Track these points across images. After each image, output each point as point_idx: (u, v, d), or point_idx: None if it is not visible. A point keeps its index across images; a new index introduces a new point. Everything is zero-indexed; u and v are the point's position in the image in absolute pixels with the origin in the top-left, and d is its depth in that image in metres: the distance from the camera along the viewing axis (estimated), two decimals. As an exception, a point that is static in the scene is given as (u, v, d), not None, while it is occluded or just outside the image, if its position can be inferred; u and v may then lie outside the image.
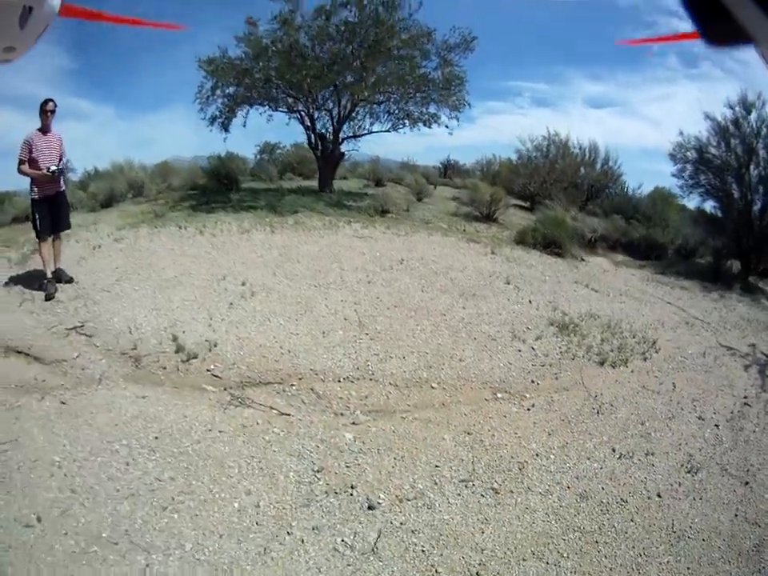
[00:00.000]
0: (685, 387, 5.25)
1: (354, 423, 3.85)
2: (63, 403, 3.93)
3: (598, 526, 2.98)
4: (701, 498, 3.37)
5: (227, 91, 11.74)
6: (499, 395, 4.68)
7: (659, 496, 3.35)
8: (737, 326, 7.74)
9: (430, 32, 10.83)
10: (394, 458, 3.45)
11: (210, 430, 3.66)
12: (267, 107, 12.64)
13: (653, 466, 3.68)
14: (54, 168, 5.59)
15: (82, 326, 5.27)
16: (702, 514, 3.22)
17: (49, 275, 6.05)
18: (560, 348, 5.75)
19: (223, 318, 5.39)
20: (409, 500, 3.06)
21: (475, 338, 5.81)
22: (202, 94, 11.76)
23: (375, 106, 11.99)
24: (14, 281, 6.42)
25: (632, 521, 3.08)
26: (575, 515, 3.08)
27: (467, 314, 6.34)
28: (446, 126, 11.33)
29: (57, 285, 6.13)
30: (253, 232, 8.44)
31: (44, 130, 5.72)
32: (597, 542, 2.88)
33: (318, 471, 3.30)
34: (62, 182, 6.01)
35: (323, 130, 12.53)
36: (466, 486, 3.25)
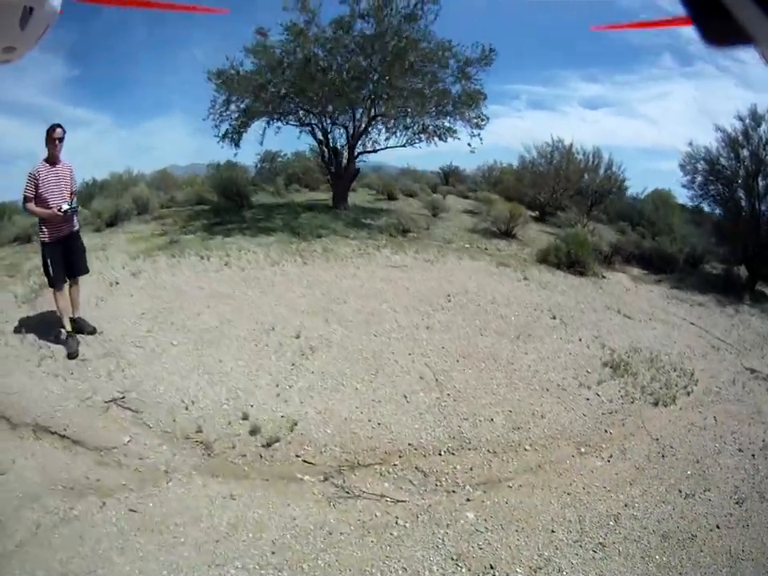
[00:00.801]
0: (724, 420, 5.06)
1: (468, 500, 3.51)
2: (133, 511, 3.01)
3: (679, 560, 3.16)
4: (748, 526, 3.53)
5: (240, 105, 10.53)
6: (582, 449, 4.32)
7: (718, 527, 3.49)
8: (755, 345, 7.37)
9: (449, 46, 9.82)
10: (516, 530, 3.27)
11: (330, 533, 2.98)
12: (278, 121, 11.46)
13: (710, 500, 3.80)
14: (66, 207, 4.62)
15: (122, 398, 4.24)
16: (751, 539, 3.39)
17: (68, 327, 5.02)
18: (619, 392, 5.26)
19: (290, 383, 4.51)
20: (540, 569, 2.98)
21: (547, 389, 5.15)
22: (215, 108, 10.54)
23: (392, 120, 10.95)
24: (26, 326, 5.35)
25: (701, 551, 3.26)
26: (662, 554, 3.21)
27: (532, 361, 5.62)
28: (469, 145, 10.39)
29: (78, 337, 5.07)
30: (284, 264, 7.42)
31: (52, 160, 4.72)
32: (680, 573, 3.04)
33: (457, 559, 2.99)
34: (75, 220, 5.01)
35: (336, 144, 11.45)
36: (580, 546, 3.21)
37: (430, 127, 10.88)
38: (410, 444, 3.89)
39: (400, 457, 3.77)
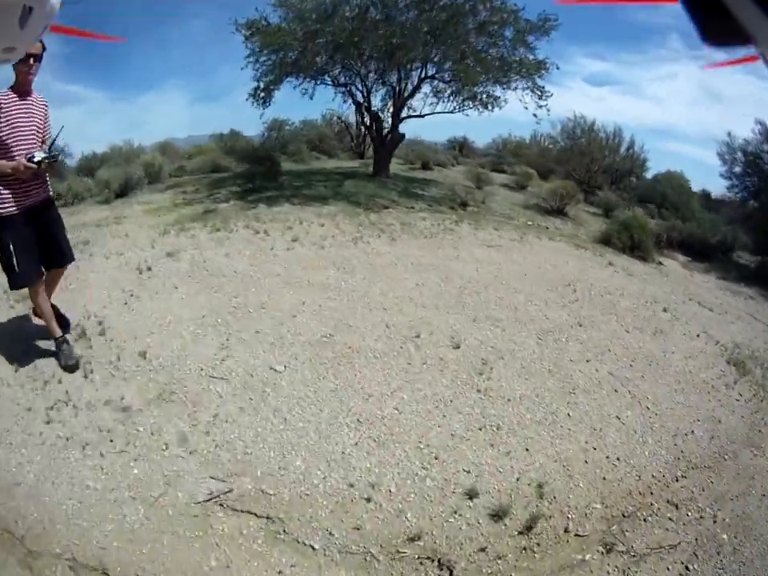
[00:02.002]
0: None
1: (715, 521, 2.33)
2: None
3: None
4: None
5: (275, 59, 7.74)
6: (754, 451, 3.08)
7: None
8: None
9: (516, 8, 7.31)
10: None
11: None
12: (313, 80, 8.72)
13: None
14: (40, 156, 2.51)
15: (228, 492, 1.98)
16: None
17: (58, 332, 2.98)
18: (749, 390, 3.93)
19: (493, 422, 2.70)
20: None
21: (708, 391, 3.61)
22: (256, 63, 7.75)
23: (443, 84, 8.44)
24: (20, 341, 3.11)
25: None
26: None
27: (679, 360, 3.93)
28: (534, 116, 8.06)
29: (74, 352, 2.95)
30: (368, 240, 5.02)
31: (22, 89, 2.55)
32: None
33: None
34: (48, 183, 2.87)
35: (377, 108, 8.86)
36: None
37: (483, 95, 8.44)
38: (652, 476, 2.67)
39: (651, 494, 2.57)
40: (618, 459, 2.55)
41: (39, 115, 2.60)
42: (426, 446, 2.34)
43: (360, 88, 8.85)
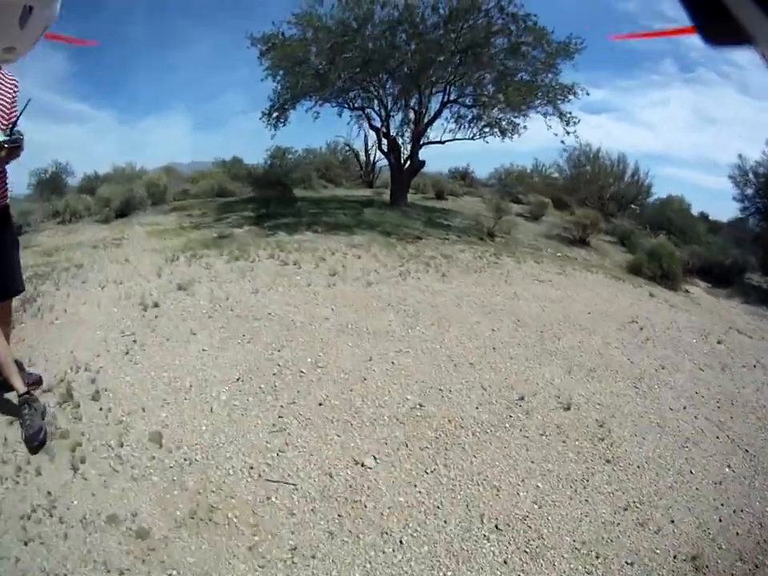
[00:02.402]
0: None
1: None
2: None
3: None
4: None
5: (293, 74, 7.01)
6: None
7: None
8: None
9: (545, 30, 6.84)
10: None
11: None
12: (328, 102, 8.03)
13: None
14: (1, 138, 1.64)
15: None
16: None
17: (21, 387, 2.00)
18: None
19: (639, 500, 2.05)
20: None
21: None
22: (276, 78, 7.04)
23: (465, 109, 7.86)
24: None
25: None
26: None
27: (765, 399, 3.36)
28: (562, 142, 7.51)
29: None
30: (416, 275, 4.16)
31: None
32: None
33: None
34: (7, 187, 1.96)
35: (396, 133, 8.19)
36: None
37: (503, 121, 7.89)
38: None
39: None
40: (741, 511, 2.10)
41: (6, 95, 1.80)
42: (582, 545, 1.73)
43: (378, 111, 8.20)
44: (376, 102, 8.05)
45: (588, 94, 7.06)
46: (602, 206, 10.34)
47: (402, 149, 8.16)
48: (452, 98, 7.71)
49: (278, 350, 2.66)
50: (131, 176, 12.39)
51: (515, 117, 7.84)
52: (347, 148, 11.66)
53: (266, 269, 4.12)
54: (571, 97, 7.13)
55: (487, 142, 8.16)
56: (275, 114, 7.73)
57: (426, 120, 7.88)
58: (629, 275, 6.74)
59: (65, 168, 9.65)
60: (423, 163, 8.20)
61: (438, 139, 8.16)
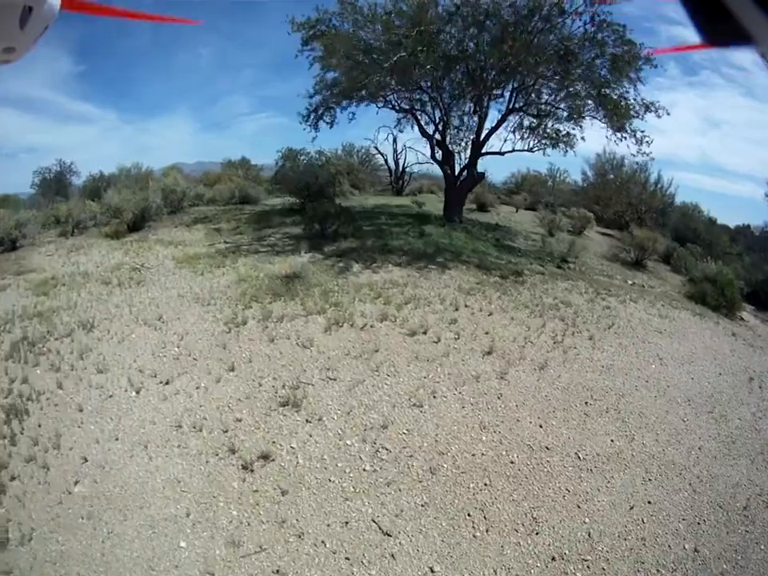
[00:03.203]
0: None
1: None
2: None
3: None
4: None
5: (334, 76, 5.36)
6: None
7: None
8: None
9: (637, 44, 5.34)
10: None
11: None
12: (374, 101, 6.41)
13: None
14: None
15: None
16: None
17: None
18: None
19: None
20: None
21: None
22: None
23: (529, 118, 6.36)
24: None
25: None
26: None
27: None
28: (637, 164, 6.17)
29: None
30: (570, 342, 2.81)
31: None
32: None
33: None
34: None
35: (451, 141, 6.62)
36: None
37: (563, 132, 6.47)
38: None
39: None
40: None
41: None
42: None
43: (431, 116, 6.61)
44: (430, 105, 6.45)
45: (669, 114, 5.60)
46: (639, 220, 9.07)
47: (453, 159, 6.62)
48: (517, 105, 6.19)
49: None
50: (138, 177, 10.34)
51: (573, 128, 6.43)
52: (375, 152, 9.96)
53: (393, 345, 2.58)
54: (651, 114, 5.68)
55: (548, 155, 6.73)
56: (320, 112, 6.02)
57: (485, 128, 6.35)
58: (696, 305, 5.55)
59: (69, 168, 8.60)
60: (483, 176, 6.71)
61: (498, 150, 6.67)
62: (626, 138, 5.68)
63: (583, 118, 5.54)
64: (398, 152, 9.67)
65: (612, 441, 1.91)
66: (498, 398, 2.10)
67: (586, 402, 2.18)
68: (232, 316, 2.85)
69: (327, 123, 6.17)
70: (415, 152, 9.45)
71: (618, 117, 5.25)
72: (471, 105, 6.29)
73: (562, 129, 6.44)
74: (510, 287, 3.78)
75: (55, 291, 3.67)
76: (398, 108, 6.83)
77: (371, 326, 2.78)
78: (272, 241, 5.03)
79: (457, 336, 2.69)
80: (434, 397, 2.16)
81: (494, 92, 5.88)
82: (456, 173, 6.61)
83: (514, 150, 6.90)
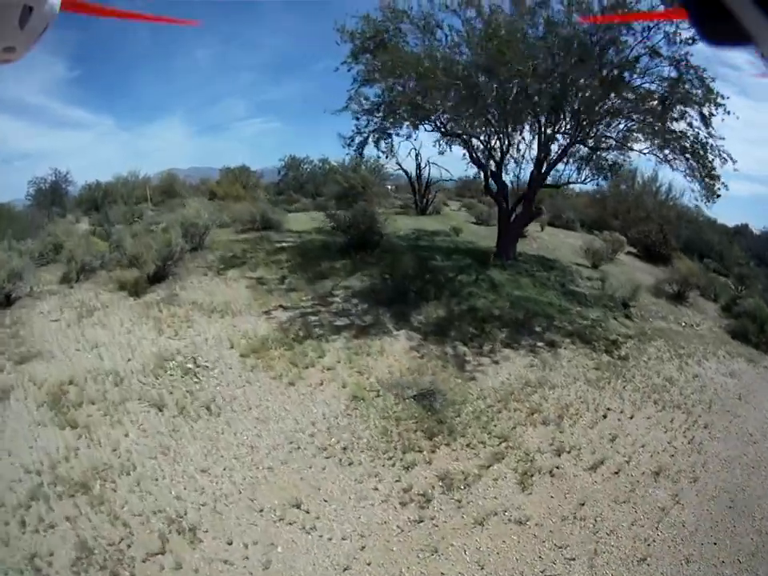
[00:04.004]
0: None
1: None
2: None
3: None
4: None
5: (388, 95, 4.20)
6: None
7: None
8: None
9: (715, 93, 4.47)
10: None
11: None
12: (424, 123, 5.29)
13: None
14: None
15: None
16: None
17: None
18: None
19: None
20: None
21: None
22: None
23: (586, 150, 5.46)
24: None
25: None
26: None
27: None
28: (705, 208, 5.45)
29: None
30: (703, 442, 2.22)
31: None
32: None
33: None
34: None
35: (502, 171, 5.63)
36: None
37: (615, 164, 5.67)
38: None
39: None
40: None
41: None
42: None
43: (486, 145, 5.55)
44: (483, 135, 5.38)
45: (735, 162, 4.79)
46: (664, 239, 8.34)
47: (505, 191, 5.66)
48: (578, 138, 5.25)
49: None
50: (134, 185, 8.52)
51: (622, 157, 5.67)
52: (399, 167, 8.65)
53: (592, 494, 1.79)
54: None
55: (600, 186, 5.97)
56: (369, 138, 4.82)
57: (545, 161, 5.40)
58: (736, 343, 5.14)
59: (65, 177, 7.70)
60: (541, 211, 5.81)
61: (556, 182, 5.78)
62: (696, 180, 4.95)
63: (668, 161, 4.72)
64: (422, 168, 8.50)
65: None
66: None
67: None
68: (403, 487, 1.85)
69: (383, 151, 4.96)
70: (439, 168, 8.28)
71: (704, 170, 4.49)
72: (534, 135, 5.30)
73: (611, 158, 5.69)
74: (620, 366, 3.27)
75: (83, 416, 2.43)
76: (448, 131, 5.67)
77: (556, 468, 2.08)
78: (339, 304, 3.92)
79: (628, 460, 2.12)
80: None
81: (568, 127, 4.91)
82: (509, 207, 5.67)
83: (569, 183, 6.06)
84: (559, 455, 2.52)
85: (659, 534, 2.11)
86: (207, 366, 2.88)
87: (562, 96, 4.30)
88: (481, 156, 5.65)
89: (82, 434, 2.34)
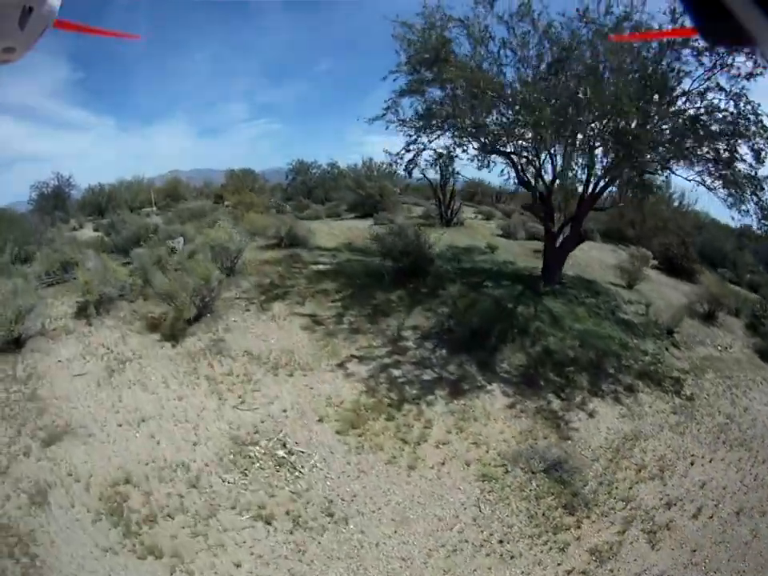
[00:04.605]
0: None
1: None
2: None
3: None
4: None
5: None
6: None
7: None
8: None
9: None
10: None
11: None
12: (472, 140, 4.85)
13: None
14: None
15: None
16: None
17: None
18: None
19: None
20: None
21: None
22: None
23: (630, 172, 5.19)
24: None
25: None
26: None
27: None
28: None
29: None
30: None
31: None
32: None
33: None
34: None
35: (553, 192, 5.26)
36: None
37: (655, 185, 5.45)
38: None
39: None
40: None
41: None
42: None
43: (537, 168, 5.15)
44: (534, 157, 4.97)
45: None
46: (686, 252, 8.16)
47: (553, 213, 5.32)
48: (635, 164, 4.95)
49: None
50: (138, 189, 7.51)
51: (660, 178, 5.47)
52: (423, 176, 8.05)
53: None
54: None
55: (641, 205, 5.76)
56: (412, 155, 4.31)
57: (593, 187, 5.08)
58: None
59: (68, 181, 7.16)
60: (586, 234, 5.51)
61: (602, 206, 5.49)
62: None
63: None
64: (447, 178, 7.97)
65: None
66: None
67: None
68: (566, 570, 1.88)
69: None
70: (464, 178, 7.78)
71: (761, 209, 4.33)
72: (586, 157, 4.94)
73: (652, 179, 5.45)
74: (690, 408, 3.50)
75: (165, 537, 1.86)
76: (497, 149, 5.20)
77: (670, 522, 2.44)
78: (414, 350, 3.43)
79: (717, 503, 2.55)
80: None
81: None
82: (554, 231, 5.33)
83: (613, 206, 5.80)
84: (669, 508, 2.60)
85: (747, 564, 2.33)
86: (302, 452, 2.35)
87: (642, 132, 3.97)
88: (529, 176, 5.25)
89: (174, 566, 1.78)
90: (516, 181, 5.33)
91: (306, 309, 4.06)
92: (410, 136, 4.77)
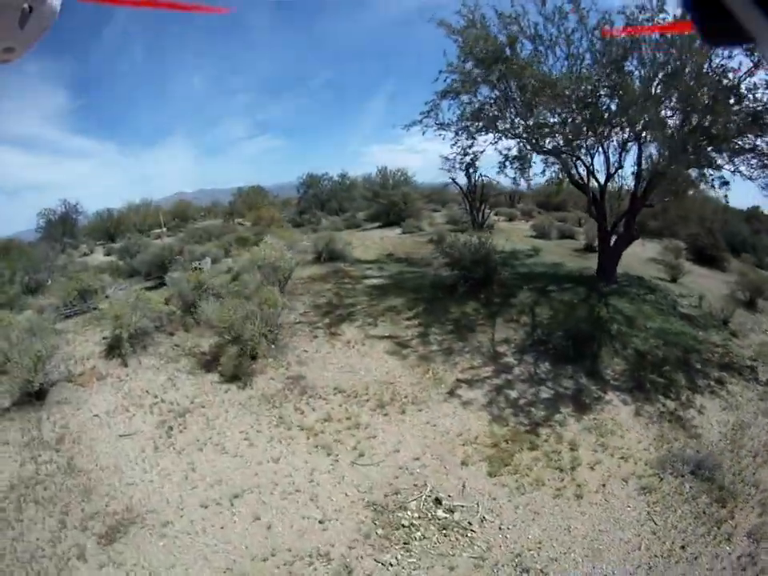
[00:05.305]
0: None
1: None
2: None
3: None
4: None
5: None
6: None
7: None
8: None
9: None
10: None
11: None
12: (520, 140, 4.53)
13: None
14: None
15: None
16: None
17: None
18: None
19: None
20: None
21: None
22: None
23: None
24: None
25: None
26: None
27: None
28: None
29: None
30: None
31: None
32: None
33: None
34: None
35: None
36: None
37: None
38: None
39: None
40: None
41: None
42: None
43: (589, 168, 4.87)
44: (587, 156, 4.69)
45: None
46: (714, 241, 7.97)
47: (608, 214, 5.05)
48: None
49: None
50: (147, 212, 6.85)
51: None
52: (453, 182, 7.68)
53: None
54: None
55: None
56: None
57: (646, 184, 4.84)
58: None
59: (75, 208, 6.81)
60: (638, 233, 5.24)
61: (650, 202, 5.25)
62: None
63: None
64: (476, 182, 7.65)
65: None
66: None
67: None
68: (737, 555, 1.82)
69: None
70: (492, 181, 7.48)
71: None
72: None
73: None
74: None
75: None
76: (550, 150, 4.88)
77: None
78: (517, 367, 2.98)
79: None
80: None
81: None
82: (606, 230, 5.05)
83: (650, 205, 5.58)
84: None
85: None
86: (463, 507, 1.85)
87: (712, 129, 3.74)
88: (584, 177, 4.97)
89: None
90: (568, 182, 5.06)
91: (382, 330, 3.56)
92: (457, 138, 4.40)
